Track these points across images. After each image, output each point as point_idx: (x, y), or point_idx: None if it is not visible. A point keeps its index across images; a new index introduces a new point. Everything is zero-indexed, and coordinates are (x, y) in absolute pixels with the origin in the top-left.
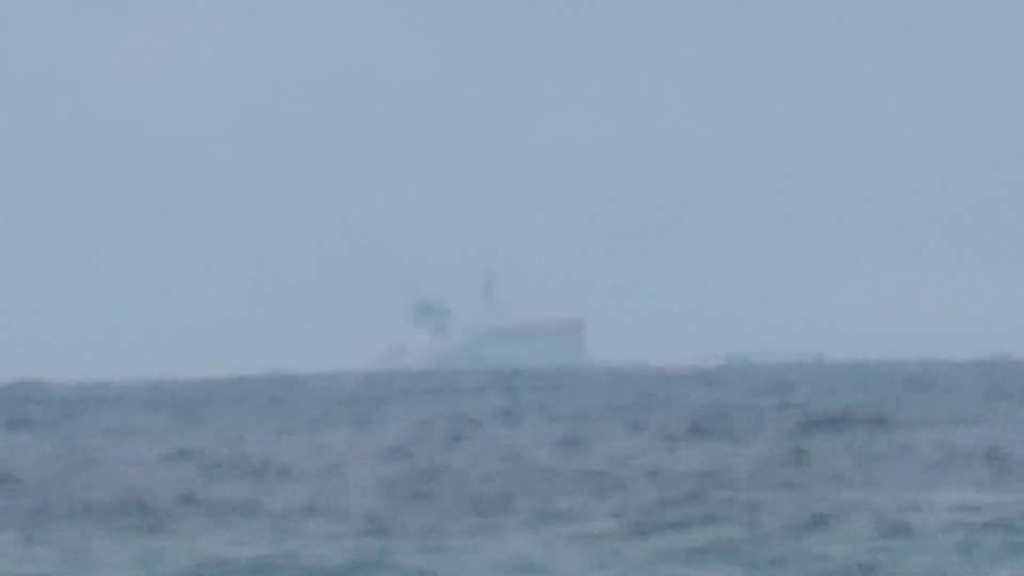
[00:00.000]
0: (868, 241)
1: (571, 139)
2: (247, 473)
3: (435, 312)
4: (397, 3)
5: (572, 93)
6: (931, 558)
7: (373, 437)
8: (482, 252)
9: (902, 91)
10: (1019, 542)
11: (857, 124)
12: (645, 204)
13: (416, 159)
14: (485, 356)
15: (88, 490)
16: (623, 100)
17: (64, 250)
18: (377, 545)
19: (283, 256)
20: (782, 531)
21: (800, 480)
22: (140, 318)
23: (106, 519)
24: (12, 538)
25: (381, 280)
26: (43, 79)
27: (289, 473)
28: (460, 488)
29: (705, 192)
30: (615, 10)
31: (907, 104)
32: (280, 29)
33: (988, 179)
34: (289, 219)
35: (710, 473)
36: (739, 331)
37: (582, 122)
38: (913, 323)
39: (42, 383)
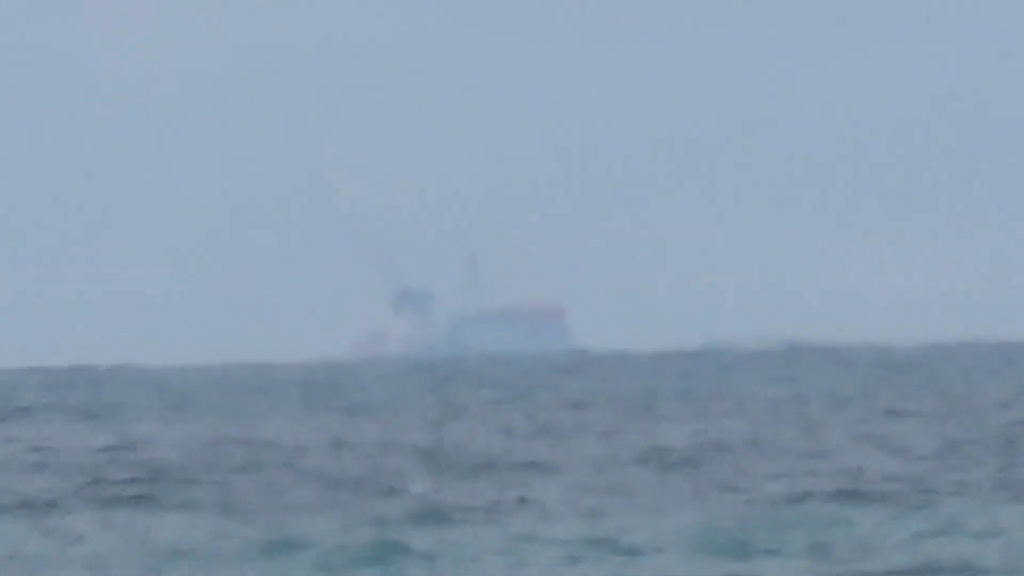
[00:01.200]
0: (845, 227)
1: (550, 125)
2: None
3: (416, 297)
4: None
5: (551, 77)
6: None
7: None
8: (464, 238)
9: (868, 70)
10: None
11: (829, 102)
12: (625, 190)
13: (395, 146)
14: (466, 342)
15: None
16: (602, 84)
17: (16, 227)
18: None
19: (258, 239)
20: None
21: None
22: (111, 300)
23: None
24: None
25: (362, 265)
26: (22, 45)
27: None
28: None
29: (685, 176)
30: None
31: (876, 91)
32: (247, 8)
33: (963, 160)
34: (266, 202)
35: None
36: (718, 316)
37: (561, 107)
38: (889, 307)
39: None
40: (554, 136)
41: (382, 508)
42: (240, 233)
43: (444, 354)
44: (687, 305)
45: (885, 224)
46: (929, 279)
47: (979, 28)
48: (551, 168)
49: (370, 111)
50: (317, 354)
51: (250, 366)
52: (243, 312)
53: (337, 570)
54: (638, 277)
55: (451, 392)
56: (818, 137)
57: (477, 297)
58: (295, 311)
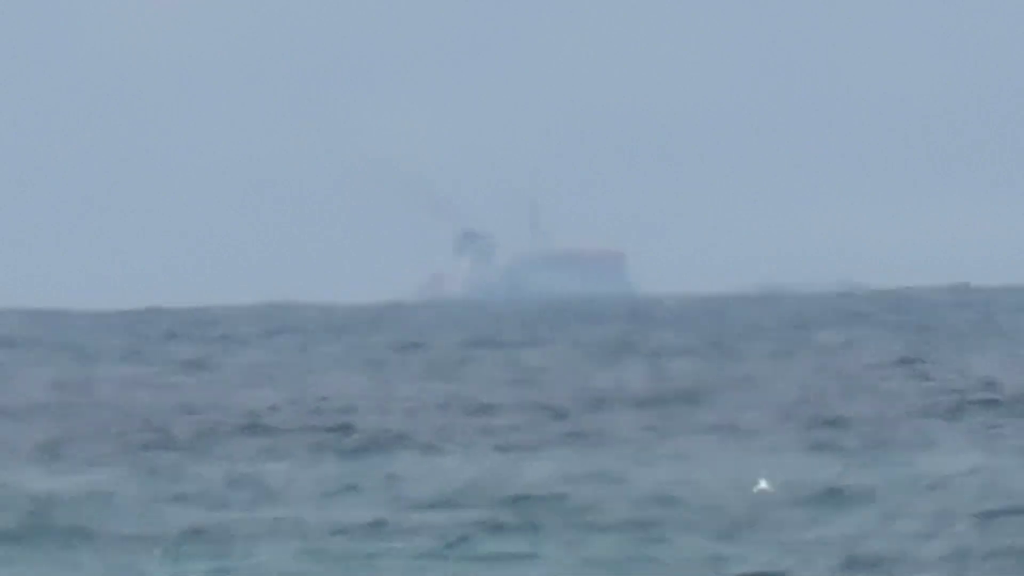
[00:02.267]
0: (906, 172)
1: (612, 70)
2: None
3: (477, 239)
4: None
5: (615, 22)
6: None
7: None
8: (526, 180)
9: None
10: None
11: (882, 65)
12: (686, 134)
13: (459, 88)
14: (528, 285)
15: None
16: (667, 32)
17: (70, 179)
18: None
19: (320, 183)
20: None
21: None
22: (169, 248)
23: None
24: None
25: (424, 208)
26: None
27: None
28: None
29: (747, 124)
30: None
31: (924, 48)
32: None
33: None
34: (328, 147)
35: None
36: (775, 260)
37: (624, 52)
38: (948, 250)
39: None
40: (613, 84)
41: None
42: (298, 185)
43: (504, 297)
44: (739, 250)
45: (918, 183)
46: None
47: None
48: (609, 114)
49: (421, 63)
50: (381, 296)
51: (316, 306)
52: (307, 258)
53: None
54: (694, 221)
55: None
56: (855, 100)
57: (538, 240)
58: (359, 255)
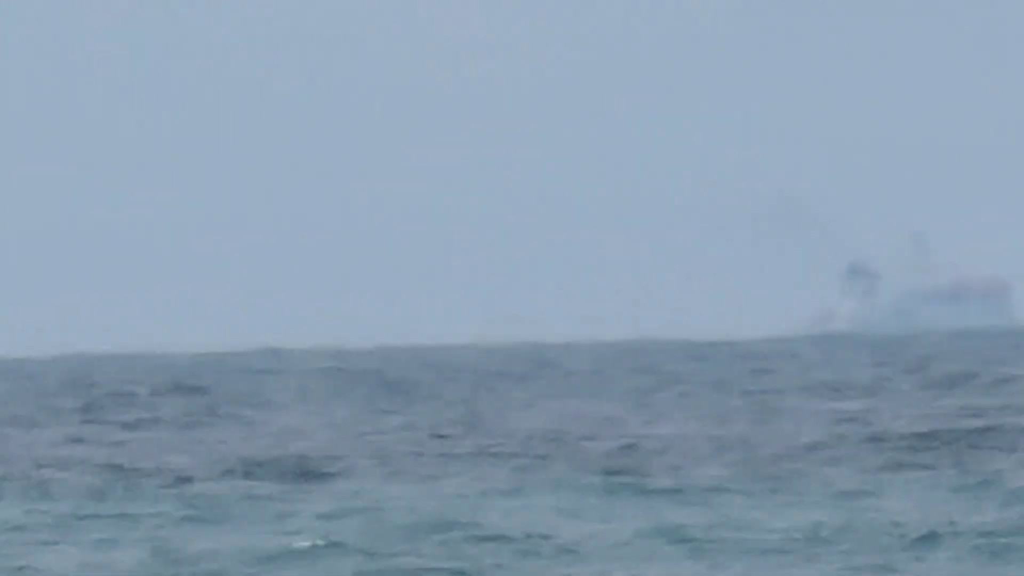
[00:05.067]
0: None
1: (989, 97)
2: None
3: (864, 275)
4: None
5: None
6: None
7: None
8: (910, 213)
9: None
10: None
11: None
12: None
13: (840, 122)
14: (914, 319)
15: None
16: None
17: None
18: None
19: (699, 216)
20: None
21: None
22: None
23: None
24: None
25: (811, 242)
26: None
27: None
28: None
29: None
30: None
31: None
32: None
33: None
34: (711, 178)
35: None
36: None
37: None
38: None
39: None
40: (993, 112)
41: None
42: (664, 219)
43: (892, 331)
44: None
45: None
46: None
47: None
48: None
49: (811, 99)
50: (768, 332)
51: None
52: (687, 294)
53: None
54: None
55: None
56: None
57: (923, 273)
58: (743, 292)
